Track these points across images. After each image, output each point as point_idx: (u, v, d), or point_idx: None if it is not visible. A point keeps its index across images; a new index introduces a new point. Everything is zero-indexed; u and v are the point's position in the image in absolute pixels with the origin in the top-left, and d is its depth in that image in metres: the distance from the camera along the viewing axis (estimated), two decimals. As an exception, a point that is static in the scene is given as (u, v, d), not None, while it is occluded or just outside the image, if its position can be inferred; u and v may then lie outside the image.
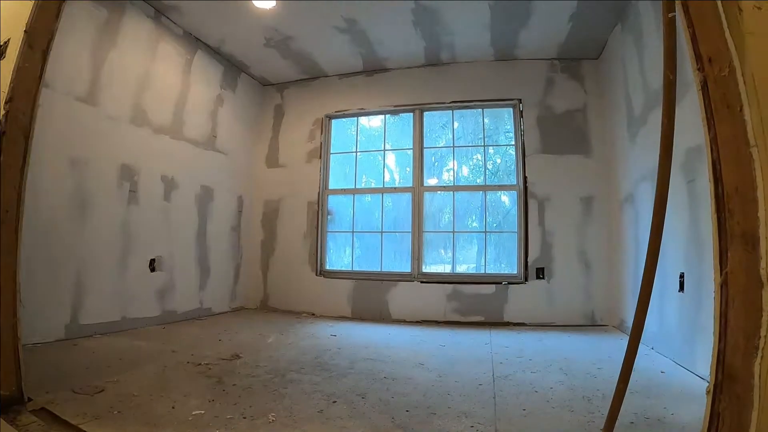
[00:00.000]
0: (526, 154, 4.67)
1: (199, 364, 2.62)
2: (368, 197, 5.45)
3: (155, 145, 4.02)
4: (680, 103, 2.63)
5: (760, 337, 1.05)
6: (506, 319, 4.46)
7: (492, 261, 4.89)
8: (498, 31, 4.29)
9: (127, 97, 3.73)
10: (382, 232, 5.17)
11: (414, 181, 5.04)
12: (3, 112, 1.78)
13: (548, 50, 4.63)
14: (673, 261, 2.84)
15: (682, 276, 2.72)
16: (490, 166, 5.05)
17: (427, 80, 5.06)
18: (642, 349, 3.20)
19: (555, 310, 4.43)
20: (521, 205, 4.62)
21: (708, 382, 1.15)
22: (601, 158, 4.51)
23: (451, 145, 5.17)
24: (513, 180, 4.82)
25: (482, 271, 4.88)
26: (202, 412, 1.85)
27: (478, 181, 5.35)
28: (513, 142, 4.88)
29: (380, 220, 5.23)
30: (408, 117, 5.21)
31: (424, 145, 5.11)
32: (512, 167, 4.88)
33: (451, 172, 5.30)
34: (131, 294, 3.71)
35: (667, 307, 2.94)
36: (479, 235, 5.10)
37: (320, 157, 5.31)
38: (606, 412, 1.55)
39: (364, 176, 5.51)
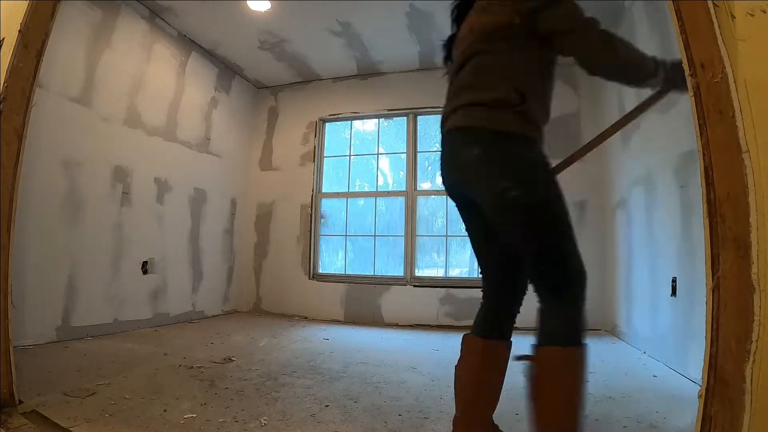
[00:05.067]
0: (519, 158, 4.67)
1: (191, 367, 2.60)
2: (361, 201, 5.45)
3: (149, 147, 4.00)
4: (673, 108, 2.68)
5: (751, 341, 1.06)
6: (499, 323, 4.45)
7: (485, 265, 4.87)
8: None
9: (121, 99, 3.71)
10: (375, 235, 5.16)
11: (407, 185, 5.03)
12: (-4, 111, 1.77)
13: (542, 56, 4.64)
14: (665, 265, 2.86)
15: (674, 280, 2.74)
16: (483, 171, 5.05)
17: (421, 84, 5.06)
18: (635, 353, 3.23)
19: (548, 314, 4.42)
20: (514, 209, 4.60)
21: (700, 386, 1.16)
22: (595, 163, 4.52)
23: (445, 149, 5.18)
24: (506, 184, 4.82)
25: (475, 275, 4.89)
26: (194, 415, 1.84)
27: (471, 185, 5.35)
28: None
29: (373, 223, 5.23)
30: (402, 121, 5.22)
31: (418, 149, 5.11)
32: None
33: (445, 176, 5.31)
34: (123, 296, 3.68)
35: (659, 311, 2.96)
36: (473, 239, 5.09)
37: (314, 161, 5.30)
38: (599, 417, 1.55)
39: (357, 180, 5.51)
